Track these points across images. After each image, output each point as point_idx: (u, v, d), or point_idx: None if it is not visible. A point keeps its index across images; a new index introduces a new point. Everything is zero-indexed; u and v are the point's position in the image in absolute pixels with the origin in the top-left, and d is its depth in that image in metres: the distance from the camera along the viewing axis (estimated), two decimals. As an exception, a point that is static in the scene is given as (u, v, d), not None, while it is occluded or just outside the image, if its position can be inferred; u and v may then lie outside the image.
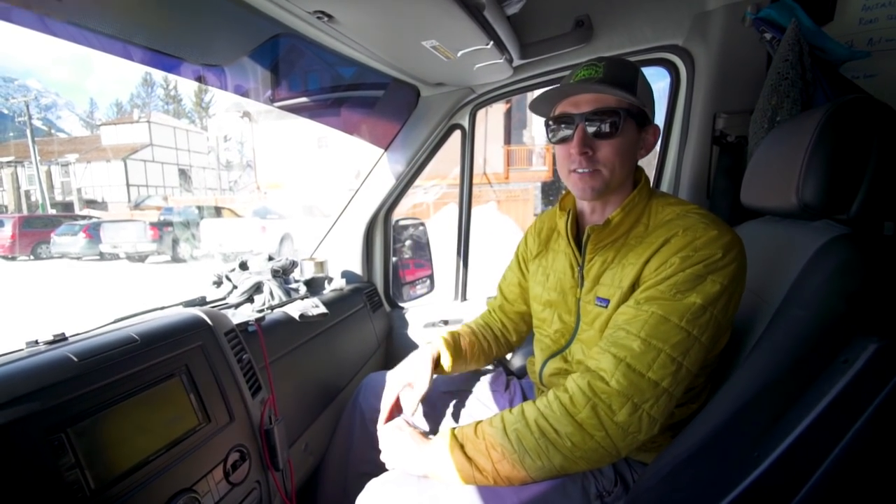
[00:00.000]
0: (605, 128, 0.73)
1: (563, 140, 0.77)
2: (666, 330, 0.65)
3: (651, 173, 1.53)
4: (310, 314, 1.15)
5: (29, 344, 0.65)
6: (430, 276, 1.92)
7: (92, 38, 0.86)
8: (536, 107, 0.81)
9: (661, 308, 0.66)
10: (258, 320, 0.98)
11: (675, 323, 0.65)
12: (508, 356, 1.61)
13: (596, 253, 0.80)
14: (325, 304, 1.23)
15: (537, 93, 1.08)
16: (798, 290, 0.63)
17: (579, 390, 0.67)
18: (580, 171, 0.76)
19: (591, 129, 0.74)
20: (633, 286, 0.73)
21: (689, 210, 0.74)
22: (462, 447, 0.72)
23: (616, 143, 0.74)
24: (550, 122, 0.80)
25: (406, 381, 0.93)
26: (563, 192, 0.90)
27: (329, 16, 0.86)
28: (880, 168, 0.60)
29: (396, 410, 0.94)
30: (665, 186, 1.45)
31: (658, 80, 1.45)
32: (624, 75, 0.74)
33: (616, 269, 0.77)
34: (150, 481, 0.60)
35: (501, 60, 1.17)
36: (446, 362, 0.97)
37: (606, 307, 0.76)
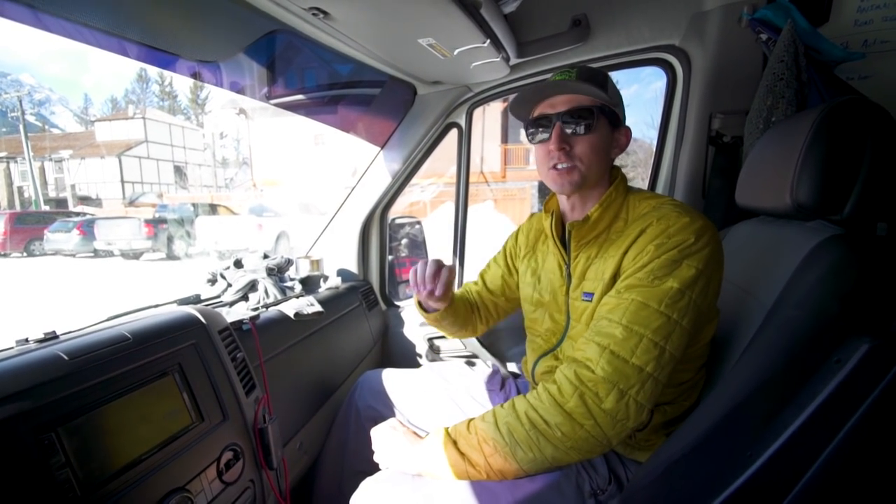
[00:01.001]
0: (581, 125, 0.77)
1: (542, 140, 0.81)
2: (646, 315, 0.67)
3: (647, 173, 1.53)
4: (305, 312, 1.14)
5: (19, 342, 0.64)
6: (427, 275, 1.92)
7: (87, 33, 0.86)
8: (516, 111, 0.85)
9: (640, 295, 0.68)
10: (253, 318, 0.98)
11: (654, 308, 0.67)
12: (504, 354, 1.61)
13: (580, 250, 0.83)
14: (321, 302, 1.22)
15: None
16: (791, 290, 0.64)
17: (566, 380, 0.68)
18: (559, 166, 0.79)
19: (567, 128, 0.78)
20: (615, 277, 0.75)
21: (663, 202, 0.77)
22: (455, 443, 0.72)
23: (591, 139, 0.77)
24: (529, 125, 0.83)
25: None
26: (549, 195, 0.92)
27: (325, 12, 0.86)
28: (874, 169, 0.60)
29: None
30: (661, 186, 1.45)
31: (655, 80, 1.46)
32: (595, 78, 0.78)
33: (598, 263, 0.79)
34: (142, 480, 0.60)
35: (498, 59, 1.17)
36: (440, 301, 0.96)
37: (591, 301, 0.78)
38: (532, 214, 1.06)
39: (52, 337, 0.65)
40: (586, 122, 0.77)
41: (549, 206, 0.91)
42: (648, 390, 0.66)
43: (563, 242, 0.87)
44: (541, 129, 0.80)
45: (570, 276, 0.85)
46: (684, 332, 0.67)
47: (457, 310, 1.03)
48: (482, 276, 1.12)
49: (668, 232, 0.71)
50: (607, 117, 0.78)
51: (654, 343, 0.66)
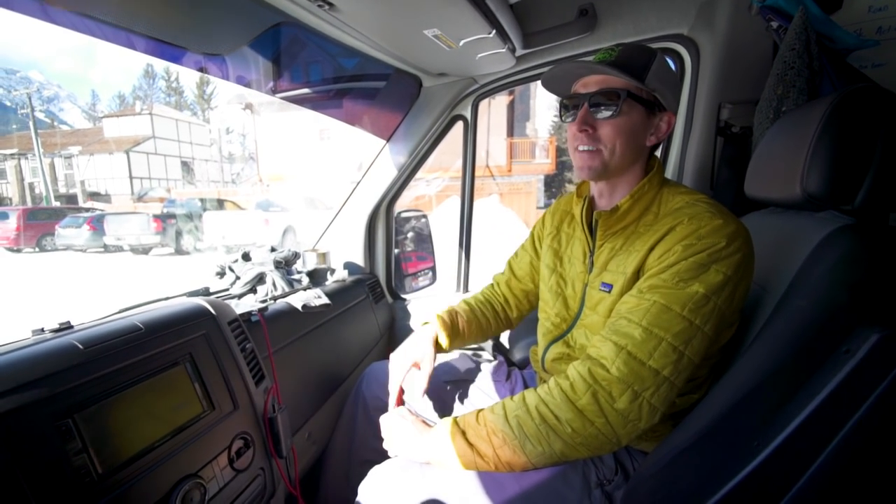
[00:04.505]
0: (606, 107, 0.75)
1: (570, 119, 0.80)
2: (668, 319, 0.65)
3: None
4: (312, 305, 1.15)
5: (35, 332, 0.65)
6: (432, 268, 1.93)
7: (93, 26, 0.86)
8: (551, 86, 0.84)
9: (663, 297, 0.66)
10: (261, 310, 0.99)
11: (677, 312, 0.65)
12: (509, 346, 1.62)
13: (605, 240, 0.81)
14: (328, 295, 1.23)
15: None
16: (801, 281, 0.63)
17: (580, 377, 0.67)
18: (581, 148, 0.78)
19: (593, 109, 0.76)
20: (637, 273, 0.74)
21: (698, 199, 0.74)
22: (464, 433, 0.72)
23: (616, 122, 0.75)
24: (564, 102, 0.82)
25: (410, 363, 0.94)
26: (580, 181, 0.92)
27: (330, 4, 0.85)
28: (886, 158, 0.59)
29: (403, 393, 0.95)
30: (668, 176, 1.43)
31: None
32: (635, 60, 0.75)
33: (622, 255, 0.77)
34: (155, 467, 0.61)
35: (504, 50, 1.16)
36: (444, 342, 0.99)
37: (610, 292, 0.77)
38: (561, 195, 1.05)
39: (67, 327, 0.67)
40: (612, 105, 0.75)
41: (582, 191, 0.90)
42: (663, 394, 0.65)
43: (591, 229, 0.85)
44: (571, 108, 0.79)
45: (592, 264, 0.84)
46: (706, 338, 0.66)
47: (463, 340, 1.03)
48: (509, 264, 1.12)
49: (698, 233, 0.68)
50: (641, 102, 0.75)
51: (674, 347, 0.64)
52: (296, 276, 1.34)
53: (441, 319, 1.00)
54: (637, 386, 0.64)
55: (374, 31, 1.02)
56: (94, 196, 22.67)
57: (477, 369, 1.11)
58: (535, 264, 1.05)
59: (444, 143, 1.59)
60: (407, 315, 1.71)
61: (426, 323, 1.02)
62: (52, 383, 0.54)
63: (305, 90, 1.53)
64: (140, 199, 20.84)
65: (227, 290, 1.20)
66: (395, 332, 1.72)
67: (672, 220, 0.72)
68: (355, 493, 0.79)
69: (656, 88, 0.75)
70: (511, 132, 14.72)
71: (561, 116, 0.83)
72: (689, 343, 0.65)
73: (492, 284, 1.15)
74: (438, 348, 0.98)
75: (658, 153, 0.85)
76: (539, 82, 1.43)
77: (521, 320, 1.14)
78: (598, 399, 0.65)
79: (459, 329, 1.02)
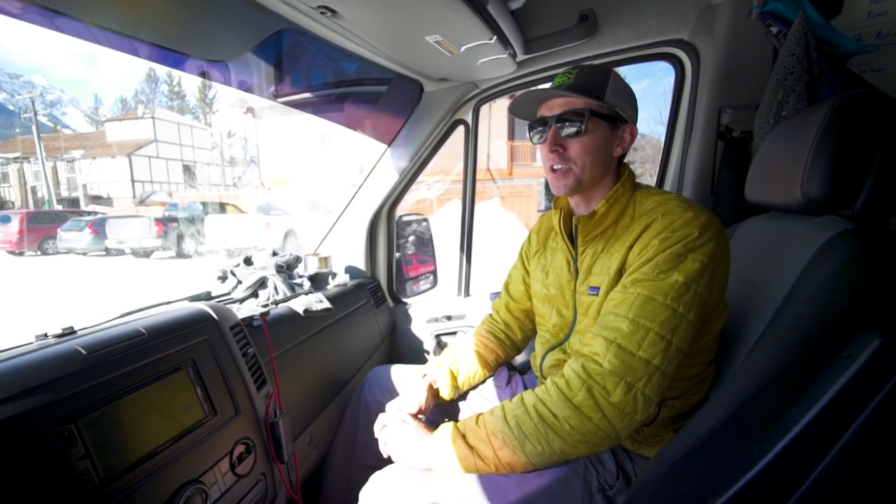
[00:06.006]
0: (572, 127, 0.79)
1: (541, 141, 0.83)
2: (652, 309, 0.68)
3: (655, 169, 1.52)
4: (314, 309, 1.15)
5: (38, 337, 0.66)
6: (434, 272, 1.93)
7: (97, 33, 0.87)
8: (518, 113, 0.88)
9: (645, 289, 0.69)
10: (263, 315, 0.99)
11: (660, 302, 0.68)
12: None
13: (587, 245, 0.84)
14: (329, 299, 1.24)
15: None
16: (802, 286, 0.63)
17: (574, 374, 0.69)
18: (555, 167, 0.82)
19: (560, 130, 0.80)
20: (620, 272, 0.77)
21: (669, 198, 0.78)
22: (464, 437, 0.73)
23: (583, 140, 0.79)
24: (532, 126, 0.86)
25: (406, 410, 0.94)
26: None
27: (332, 11, 0.86)
28: (886, 163, 0.59)
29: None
30: (669, 182, 1.44)
31: (667, 75, 1.45)
32: (593, 80, 0.79)
33: (604, 258, 0.80)
34: (157, 472, 0.61)
35: (505, 55, 1.17)
36: (445, 394, 1.00)
37: (597, 294, 0.79)
38: (544, 213, 1.06)
39: (70, 332, 0.67)
40: (577, 125, 0.79)
41: (559, 203, 0.93)
42: (656, 383, 0.67)
43: (572, 238, 0.88)
44: (540, 130, 0.83)
45: (577, 270, 0.86)
46: (690, 326, 0.68)
47: (469, 384, 1.04)
48: (505, 287, 1.13)
49: (672, 226, 0.72)
50: (605, 118, 0.79)
51: (661, 336, 0.67)
52: (297, 281, 1.34)
53: (446, 376, 1.00)
54: (630, 377, 0.66)
55: (376, 37, 1.03)
56: (96, 199, 22.75)
57: (478, 374, 1.11)
58: (528, 282, 1.06)
59: (445, 146, 1.60)
60: (408, 319, 1.71)
61: (425, 375, 1.02)
62: (55, 389, 0.54)
63: (307, 95, 1.54)
64: (142, 202, 20.90)
65: (229, 294, 1.21)
66: (397, 335, 1.72)
67: (647, 218, 0.76)
68: (356, 499, 0.79)
69: (616, 104, 0.79)
70: (512, 135, 14.73)
71: (531, 138, 0.86)
72: (675, 331, 0.67)
73: (491, 314, 1.16)
74: (438, 398, 1.00)
75: (626, 159, 0.88)
76: (540, 86, 1.44)
77: (528, 341, 1.14)
78: (594, 394, 0.67)
79: (462, 382, 1.03)
